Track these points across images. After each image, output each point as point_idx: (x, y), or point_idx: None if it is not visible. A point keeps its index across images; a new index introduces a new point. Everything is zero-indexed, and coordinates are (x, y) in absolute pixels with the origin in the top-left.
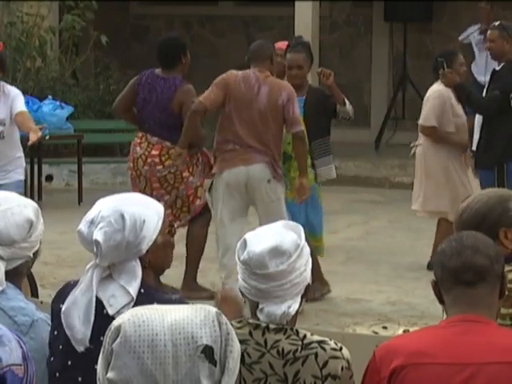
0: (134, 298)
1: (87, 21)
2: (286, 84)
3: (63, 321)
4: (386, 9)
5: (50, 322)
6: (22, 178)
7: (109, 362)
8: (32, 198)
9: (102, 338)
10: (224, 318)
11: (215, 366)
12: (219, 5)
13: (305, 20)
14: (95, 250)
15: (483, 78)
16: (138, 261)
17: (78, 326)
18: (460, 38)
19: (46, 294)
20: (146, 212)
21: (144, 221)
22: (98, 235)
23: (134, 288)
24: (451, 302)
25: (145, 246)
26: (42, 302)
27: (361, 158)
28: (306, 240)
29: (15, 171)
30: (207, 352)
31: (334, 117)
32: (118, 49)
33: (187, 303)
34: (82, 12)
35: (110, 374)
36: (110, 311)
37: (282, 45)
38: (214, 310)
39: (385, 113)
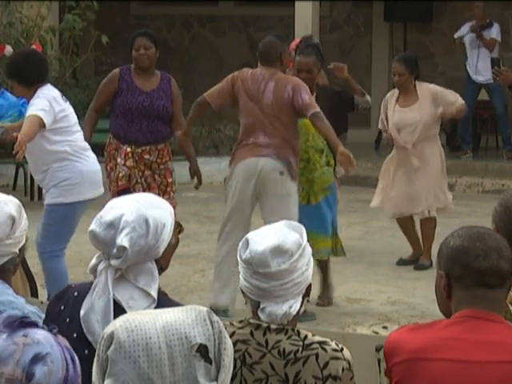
0: (156, 299)
1: (88, 21)
2: (292, 77)
3: (83, 326)
4: (386, 9)
5: (41, 315)
6: (54, 200)
7: (104, 369)
8: (32, 198)
9: None
10: (215, 317)
11: (211, 364)
12: (219, 5)
13: (305, 20)
14: (116, 253)
15: (475, 76)
16: (154, 263)
17: (99, 330)
18: (455, 36)
19: (47, 294)
20: (164, 215)
21: (164, 224)
22: (124, 241)
23: (154, 290)
24: (467, 299)
25: (162, 249)
26: (42, 302)
27: (361, 157)
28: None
29: (50, 191)
30: (202, 351)
31: (352, 110)
32: (118, 49)
33: None
34: (82, 12)
35: (107, 382)
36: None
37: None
38: (204, 309)
39: None
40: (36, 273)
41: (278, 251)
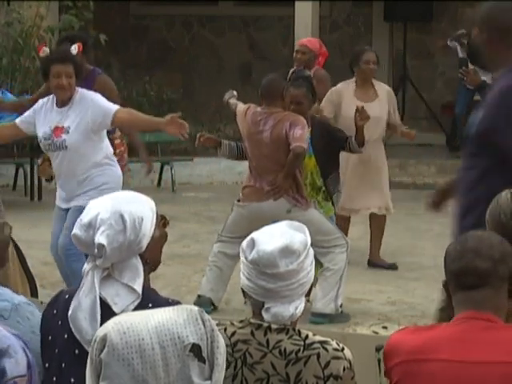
0: (140, 294)
1: (85, 20)
2: (292, 114)
3: (71, 325)
4: (386, 9)
5: (30, 303)
6: (84, 203)
7: (98, 373)
8: (32, 198)
9: None
10: (206, 316)
11: (204, 363)
12: (219, 5)
13: (305, 20)
14: (97, 252)
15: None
16: (138, 258)
17: (86, 328)
18: (448, 43)
19: (46, 294)
20: (141, 209)
21: (142, 218)
22: (101, 239)
23: (138, 285)
24: (456, 303)
25: (145, 243)
26: (42, 302)
27: None
28: None
29: (88, 194)
30: (195, 350)
31: (343, 149)
32: (118, 49)
33: None
34: (79, 12)
35: None
36: (116, 309)
37: (306, 41)
38: (195, 308)
39: None
40: (36, 273)
41: (287, 251)
